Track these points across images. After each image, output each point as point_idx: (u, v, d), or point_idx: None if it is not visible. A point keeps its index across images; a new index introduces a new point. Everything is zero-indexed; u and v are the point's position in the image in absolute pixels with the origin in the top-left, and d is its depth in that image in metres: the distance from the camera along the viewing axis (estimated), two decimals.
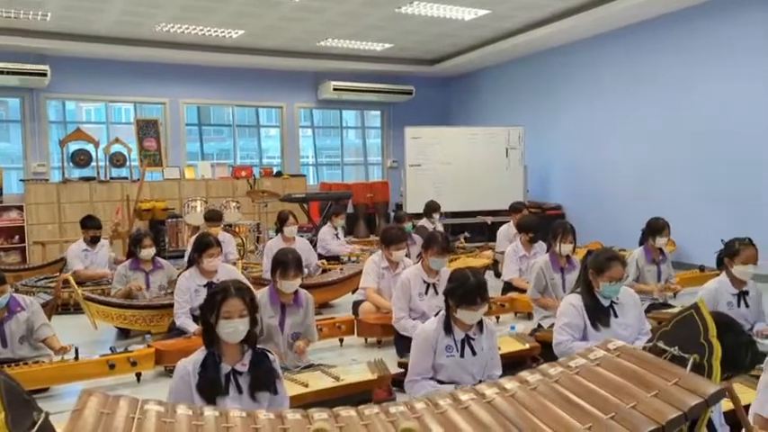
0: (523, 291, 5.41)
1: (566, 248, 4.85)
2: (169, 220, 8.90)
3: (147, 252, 5.47)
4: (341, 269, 6.59)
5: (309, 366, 3.77)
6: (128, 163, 10.10)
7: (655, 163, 8.59)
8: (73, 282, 5.10)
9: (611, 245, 5.97)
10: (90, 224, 6.60)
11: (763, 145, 7.18)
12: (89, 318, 4.97)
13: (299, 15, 8.51)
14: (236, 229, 8.50)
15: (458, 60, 11.23)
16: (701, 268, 6.56)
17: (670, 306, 5.13)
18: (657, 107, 8.55)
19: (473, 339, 3.20)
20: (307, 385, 3.34)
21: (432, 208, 8.26)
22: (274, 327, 3.78)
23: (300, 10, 8.25)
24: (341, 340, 4.91)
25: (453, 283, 3.17)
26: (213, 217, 7.05)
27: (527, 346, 4.06)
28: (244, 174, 10.81)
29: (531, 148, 10.31)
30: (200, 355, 2.62)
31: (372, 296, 4.93)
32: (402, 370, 3.64)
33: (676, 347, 1.83)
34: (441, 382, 3.18)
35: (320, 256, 7.31)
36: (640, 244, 5.47)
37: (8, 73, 9.00)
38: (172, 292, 5.06)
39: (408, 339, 3.71)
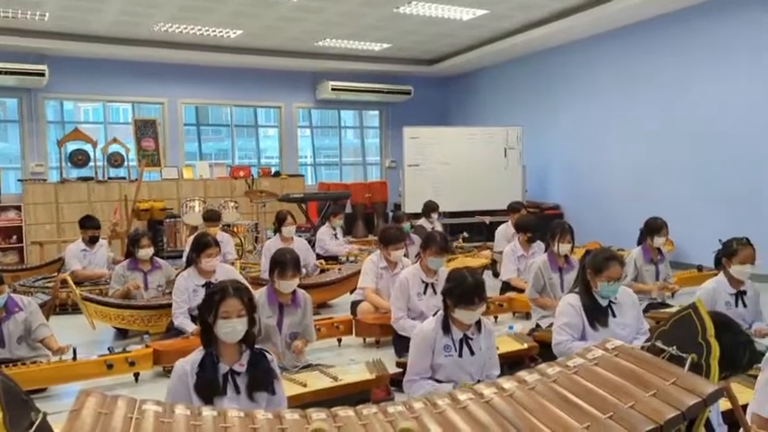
0: (522, 290, 5.41)
1: (564, 248, 4.85)
2: (167, 220, 8.90)
3: (146, 252, 5.46)
4: (339, 269, 6.59)
5: (308, 366, 3.77)
6: (126, 163, 10.09)
7: (652, 163, 8.60)
8: (71, 282, 5.10)
9: (609, 245, 5.97)
10: (89, 224, 6.59)
11: (760, 145, 7.19)
12: (87, 318, 4.96)
13: (297, 15, 8.51)
14: (235, 229, 8.50)
15: (456, 60, 11.23)
16: (699, 268, 6.58)
17: (668, 306, 5.13)
18: (655, 107, 8.56)
19: (471, 339, 3.20)
20: (305, 385, 3.34)
21: (430, 208, 8.26)
22: (272, 327, 3.78)
23: (298, 10, 8.24)
24: (339, 340, 4.91)
25: (451, 282, 3.17)
26: (212, 217, 7.04)
27: (525, 345, 4.06)
28: (242, 174, 10.80)
29: (530, 148, 10.31)
30: (198, 355, 2.61)
31: (371, 296, 4.93)
32: (400, 370, 3.63)
33: (674, 347, 1.83)
34: (439, 382, 3.19)
35: (318, 256, 7.31)
36: (638, 244, 5.48)
37: (6, 73, 8.99)
38: (170, 293, 5.05)
39: (407, 339, 3.71)
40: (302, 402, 2.88)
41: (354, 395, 3.31)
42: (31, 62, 9.25)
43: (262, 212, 9.35)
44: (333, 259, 7.58)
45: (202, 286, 4.58)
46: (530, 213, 7.90)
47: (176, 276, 4.99)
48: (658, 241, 5.35)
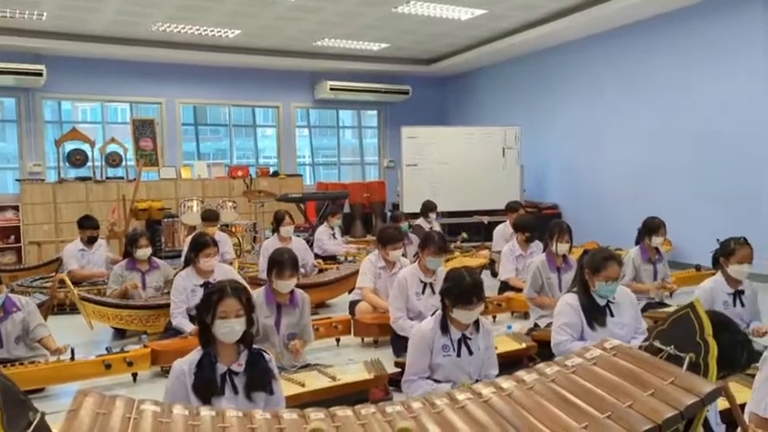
0: (520, 290, 5.42)
1: (562, 248, 4.85)
2: (165, 220, 8.89)
3: (144, 252, 5.46)
4: (337, 269, 6.59)
5: (306, 366, 3.77)
6: (124, 163, 10.08)
7: (650, 163, 8.61)
8: (69, 282, 5.09)
9: (607, 244, 5.97)
10: (87, 224, 6.58)
11: (758, 144, 7.20)
12: (85, 318, 4.96)
13: (295, 15, 8.51)
14: (233, 229, 8.49)
15: (454, 60, 11.23)
16: (697, 267, 6.58)
17: (666, 305, 5.14)
18: (653, 107, 8.57)
19: (470, 339, 3.20)
20: (303, 385, 3.34)
21: (428, 207, 8.27)
22: (270, 327, 3.78)
23: (297, 9, 8.24)
24: (337, 340, 4.91)
25: (449, 282, 3.17)
26: (210, 217, 7.04)
27: (524, 345, 4.07)
28: (240, 174, 10.79)
29: (528, 147, 10.32)
30: (196, 355, 2.61)
31: (369, 296, 4.93)
32: (399, 369, 3.64)
33: (672, 346, 1.83)
34: (437, 382, 3.19)
35: (317, 256, 7.31)
36: (637, 243, 5.49)
37: (4, 72, 8.97)
38: (168, 292, 5.05)
39: (405, 339, 3.71)
40: (300, 402, 2.88)
41: (353, 395, 3.31)
42: (28, 62, 9.23)
43: (260, 212, 9.35)
44: (331, 259, 7.58)
45: (201, 286, 4.59)
46: (528, 213, 7.91)
47: (174, 276, 4.98)
48: (656, 241, 5.35)
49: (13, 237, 9.35)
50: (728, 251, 4.05)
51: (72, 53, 9.58)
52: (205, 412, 1.79)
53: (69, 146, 9.83)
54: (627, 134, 8.99)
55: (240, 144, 12.18)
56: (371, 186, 11.74)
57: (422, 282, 4.39)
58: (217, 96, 11.14)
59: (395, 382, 3.59)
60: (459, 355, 3.18)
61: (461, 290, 3.08)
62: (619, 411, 1.67)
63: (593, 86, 9.57)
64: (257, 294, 3.72)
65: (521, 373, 2.00)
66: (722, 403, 2.15)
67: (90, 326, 4.97)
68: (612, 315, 3.55)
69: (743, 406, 2.22)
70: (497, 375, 3.10)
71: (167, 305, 4.78)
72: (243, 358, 2.63)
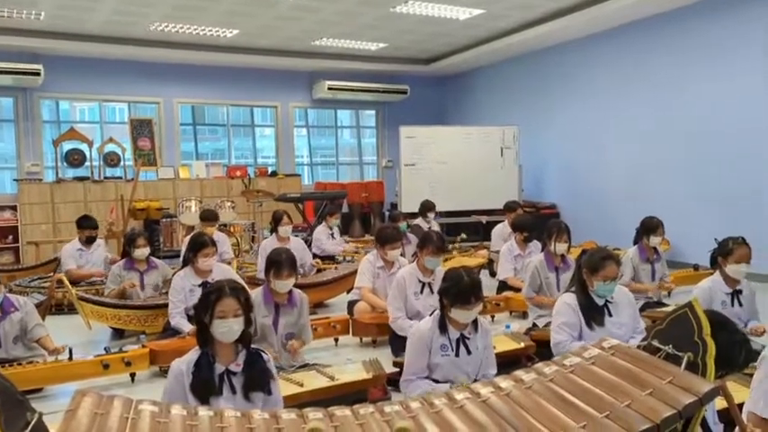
0: (518, 290, 5.42)
1: (560, 248, 4.86)
2: (163, 220, 8.88)
3: (142, 252, 5.45)
4: (335, 268, 6.58)
5: (304, 366, 3.77)
6: (122, 162, 10.08)
7: (648, 162, 8.62)
8: (66, 282, 5.08)
9: (605, 244, 5.98)
10: (86, 224, 6.57)
11: (756, 144, 7.21)
12: (83, 318, 4.95)
13: (293, 14, 8.50)
14: (231, 229, 8.49)
15: (452, 60, 11.24)
16: (695, 267, 6.60)
17: (664, 305, 5.15)
18: (650, 107, 8.58)
19: (468, 338, 3.20)
20: (302, 385, 3.33)
21: (427, 207, 8.27)
22: (268, 326, 3.78)
23: (295, 9, 8.24)
24: (336, 340, 4.91)
25: (447, 282, 3.17)
26: (209, 217, 7.03)
27: (522, 344, 4.07)
28: (238, 173, 10.79)
29: (526, 147, 10.32)
30: (193, 354, 2.61)
31: (367, 296, 4.93)
32: (397, 369, 3.64)
33: (671, 346, 1.83)
34: (436, 382, 3.18)
35: (315, 256, 7.30)
36: (635, 243, 5.49)
37: (1, 72, 8.96)
38: (166, 292, 5.04)
39: (403, 339, 3.71)
40: (299, 402, 2.87)
41: (351, 395, 3.31)
42: (26, 61, 9.22)
43: (258, 212, 9.34)
44: (329, 259, 7.58)
45: (199, 286, 4.57)
46: (526, 213, 7.92)
47: (173, 276, 4.98)
48: (654, 240, 5.36)
49: (10, 237, 9.33)
50: (726, 251, 4.05)
51: (70, 53, 9.57)
52: (203, 412, 1.79)
53: (67, 146, 9.83)
54: (625, 134, 9.00)
55: (238, 144, 12.18)
56: (370, 186, 11.73)
57: (420, 281, 4.39)
58: (215, 96, 11.13)
59: (393, 381, 3.59)
60: (457, 354, 3.18)
61: (460, 289, 3.08)
62: (617, 411, 1.67)
63: (591, 86, 9.57)
64: (255, 294, 3.71)
65: (519, 373, 2.00)
66: (720, 402, 2.16)
67: (88, 326, 4.96)
68: (611, 315, 3.55)
69: (741, 405, 2.23)
70: (496, 375, 3.10)
71: (165, 305, 4.77)
72: (241, 358, 2.63)
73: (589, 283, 3.54)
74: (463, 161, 10.04)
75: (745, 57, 7.30)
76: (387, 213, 10.99)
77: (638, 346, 1.96)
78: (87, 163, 9.81)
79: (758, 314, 4.21)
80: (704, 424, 2.00)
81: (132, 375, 4.09)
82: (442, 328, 3.19)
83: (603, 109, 9.38)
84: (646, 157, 8.65)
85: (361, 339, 4.96)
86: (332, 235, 8.05)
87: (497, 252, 6.49)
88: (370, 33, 9.62)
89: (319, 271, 6.75)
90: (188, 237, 5.64)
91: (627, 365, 1.85)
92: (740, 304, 4.10)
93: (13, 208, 9.36)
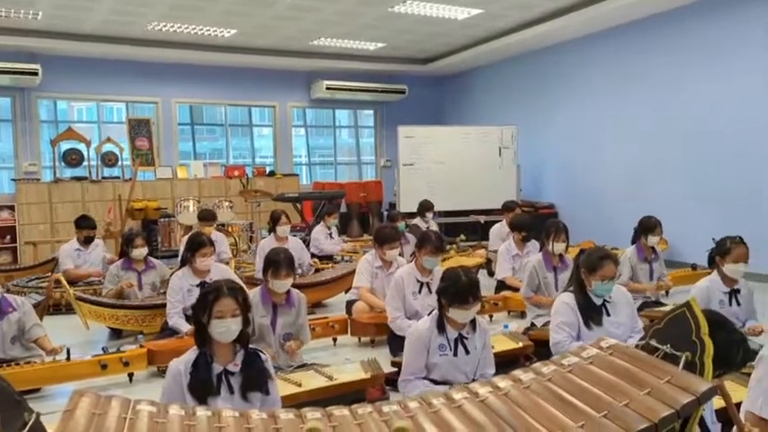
0: (516, 289, 5.42)
1: (558, 247, 4.86)
2: (161, 220, 8.87)
3: (140, 252, 5.44)
4: (333, 268, 6.58)
5: (303, 366, 3.76)
6: (120, 162, 10.07)
7: (646, 162, 8.63)
8: (64, 282, 5.08)
9: (603, 244, 5.98)
10: (84, 224, 6.56)
11: (754, 144, 7.22)
12: (81, 318, 4.94)
13: (292, 14, 8.50)
14: (229, 229, 8.48)
15: (451, 60, 11.24)
16: (693, 267, 6.60)
17: (662, 304, 5.15)
18: (648, 107, 8.59)
19: (466, 338, 3.20)
20: (300, 385, 3.33)
21: (425, 207, 8.27)
22: (266, 326, 3.77)
23: (293, 9, 8.23)
24: (334, 339, 4.91)
25: (445, 282, 3.17)
26: (207, 217, 7.03)
27: (520, 344, 4.07)
28: (236, 173, 10.78)
29: (524, 147, 10.33)
30: (191, 354, 2.60)
31: (366, 295, 4.93)
32: (395, 369, 3.64)
33: (669, 345, 1.83)
34: (434, 381, 3.18)
35: (313, 256, 7.31)
36: (633, 243, 5.49)
37: None
38: (164, 292, 5.04)
39: (402, 338, 3.71)
40: (297, 402, 2.88)
41: (349, 394, 3.31)
42: (23, 61, 9.21)
43: (256, 212, 9.34)
44: (328, 259, 7.58)
45: (197, 286, 4.57)
46: (524, 212, 7.92)
47: (171, 276, 4.97)
48: (652, 240, 5.36)
49: (8, 237, 9.32)
50: (724, 250, 4.06)
51: (67, 52, 9.56)
52: (201, 412, 1.79)
53: (65, 145, 9.81)
54: (623, 133, 9.01)
55: (236, 144, 12.17)
56: (368, 186, 11.73)
57: (419, 281, 4.39)
58: (213, 96, 11.12)
59: (392, 381, 3.59)
60: (455, 354, 3.18)
61: (458, 289, 3.08)
62: (615, 410, 1.67)
63: (589, 86, 9.58)
64: (253, 294, 3.71)
65: (517, 373, 2.00)
66: (718, 402, 2.16)
67: (86, 326, 4.96)
68: (609, 314, 3.55)
69: (739, 404, 2.23)
70: (494, 375, 3.10)
71: (163, 305, 4.77)
72: (239, 358, 2.62)
73: (587, 282, 3.54)
74: (461, 161, 10.04)
75: (744, 57, 7.31)
76: (385, 213, 11.00)
77: (637, 346, 1.97)
78: (85, 163, 9.80)
79: (756, 313, 4.22)
80: (702, 423, 2.00)
81: (130, 375, 4.09)
82: (441, 327, 3.18)
83: (602, 109, 9.38)
84: (644, 157, 8.66)
85: (359, 339, 4.96)
86: (330, 235, 8.05)
87: (495, 252, 6.49)
88: (368, 33, 9.62)
89: (317, 271, 6.75)
90: (186, 237, 5.63)
91: (625, 365, 1.86)
92: (738, 304, 4.10)
93: (11, 208, 9.34)
